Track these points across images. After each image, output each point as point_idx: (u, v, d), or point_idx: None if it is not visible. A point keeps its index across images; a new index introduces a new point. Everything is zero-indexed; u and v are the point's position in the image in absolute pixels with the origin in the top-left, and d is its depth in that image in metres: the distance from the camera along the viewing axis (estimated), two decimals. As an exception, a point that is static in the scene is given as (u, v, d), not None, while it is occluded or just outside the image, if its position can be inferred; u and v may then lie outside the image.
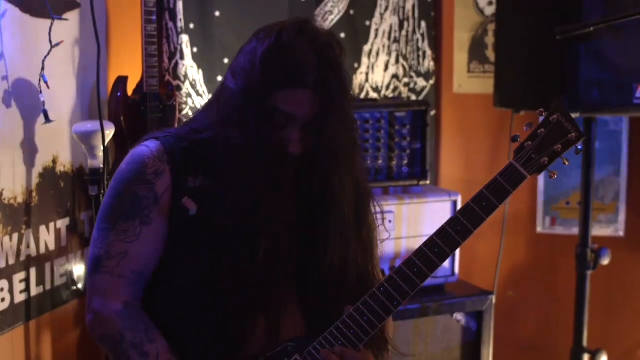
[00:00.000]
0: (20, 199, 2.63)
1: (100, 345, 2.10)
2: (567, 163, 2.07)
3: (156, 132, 2.18)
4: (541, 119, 2.07)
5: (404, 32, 3.89)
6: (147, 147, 2.09)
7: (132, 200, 2.05)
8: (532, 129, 2.06)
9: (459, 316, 3.21)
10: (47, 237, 2.78)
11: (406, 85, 3.91)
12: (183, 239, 2.04)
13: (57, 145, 2.83)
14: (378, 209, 2.23)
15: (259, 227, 2.01)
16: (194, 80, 3.42)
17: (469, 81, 4.00)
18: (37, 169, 2.72)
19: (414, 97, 3.90)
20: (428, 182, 3.22)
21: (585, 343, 3.53)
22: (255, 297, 2.01)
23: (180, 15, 3.35)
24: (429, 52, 3.95)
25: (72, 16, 2.88)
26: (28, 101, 2.64)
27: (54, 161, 2.81)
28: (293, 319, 2.06)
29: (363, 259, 2.16)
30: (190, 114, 3.34)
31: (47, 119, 2.66)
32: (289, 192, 2.07)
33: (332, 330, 2.02)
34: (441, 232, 2.05)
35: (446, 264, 3.10)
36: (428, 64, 3.96)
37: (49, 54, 2.66)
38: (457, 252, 3.15)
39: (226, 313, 2.00)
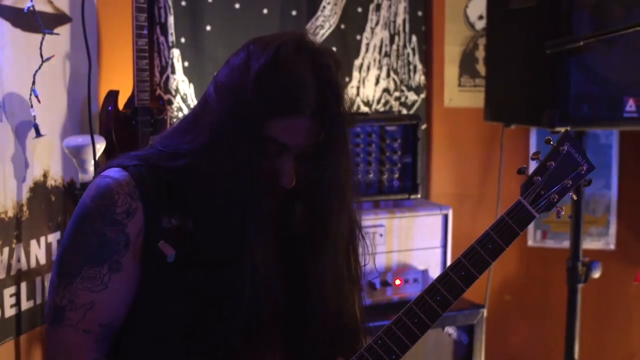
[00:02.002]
0: (10, 213, 2.62)
1: None
2: (575, 198, 1.99)
3: (123, 158, 1.92)
4: (533, 156, 1.95)
5: (394, 47, 3.90)
6: (115, 180, 1.83)
7: (99, 243, 1.80)
8: (538, 159, 1.93)
9: (451, 330, 3.21)
10: (38, 251, 2.77)
11: (397, 99, 3.92)
12: (159, 286, 1.82)
13: (48, 160, 2.82)
14: (368, 243, 2.02)
15: (245, 274, 1.80)
16: (185, 95, 3.43)
17: (460, 95, 4.01)
18: (28, 183, 2.71)
19: (405, 111, 3.91)
20: (419, 195, 3.23)
21: (576, 356, 3.53)
22: (239, 350, 1.82)
23: (172, 29, 3.36)
24: (419, 66, 3.96)
25: (63, 30, 2.88)
26: (19, 115, 2.63)
27: (45, 175, 2.81)
28: None
29: (354, 303, 2.00)
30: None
31: (38, 133, 2.66)
32: (277, 230, 1.88)
33: None
34: (443, 279, 1.88)
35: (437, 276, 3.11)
36: (419, 78, 3.97)
37: (39, 68, 2.65)
38: (448, 262, 3.14)
39: None
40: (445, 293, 1.87)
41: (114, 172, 1.85)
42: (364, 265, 2.01)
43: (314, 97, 1.78)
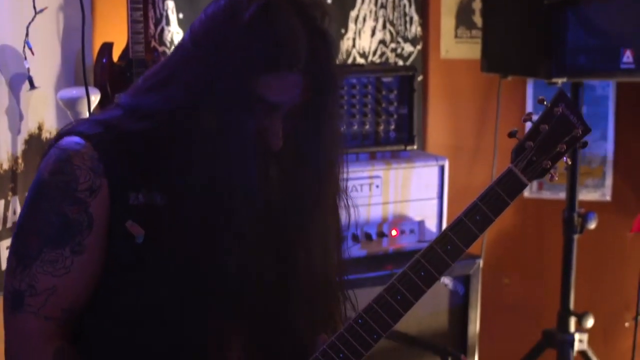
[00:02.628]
0: (5, 166, 2.61)
1: None
2: (569, 163, 1.83)
3: (84, 124, 1.73)
4: (528, 114, 1.83)
5: (390, -2, 3.88)
6: (76, 152, 1.65)
7: (60, 224, 1.64)
8: (530, 121, 1.80)
9: (447, 280, 3.22)
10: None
11: (393, 50, 3.90)
12: (128, 267, 1.67)
13: (42, 112, 2.81)
14: (352, 208, 1.88)
15: (225, 246, 1.67)
16: (180, 46, 3.40)
17: (456, 46, 3.99)
18: (23, 136, 2.70)
19: (401, 63, 3.89)
20: (415, 147, 3.22)
21: (572, 306, 3.55)
22: (216, 333, 1.71)
23: (165, -20, 3.33)
24: (415, 18, 3.93)
25: (56, -18, 2.86)
26: (13, 67, 2.61)
27: (40, 128, 2.80)
28: (254, 350, 1.77)
29: (339, 273, 1.88)
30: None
31: (32, 86, 2.64)
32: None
33: None
34: (428, 253, 1.75)
35: (433, 227, 3.12)
36: (415, 29, 3.94)
37: (33, 20, 2.63)
38: (444, 216, 3.16)
39: (181, 347, 1.68)
40: (430, 268, 1.75)
41: (75, 144, 1.67)
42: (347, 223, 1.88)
43: (306, 52, 1.64)
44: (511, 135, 1.80)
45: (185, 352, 1.68)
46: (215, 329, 1.70)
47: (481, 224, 1.76)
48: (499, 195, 1.76)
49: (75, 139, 1.68)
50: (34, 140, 2.76)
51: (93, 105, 2.81)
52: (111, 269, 1.68)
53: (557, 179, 1.82)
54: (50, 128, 2.85)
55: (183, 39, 1.72)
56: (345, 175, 1.84)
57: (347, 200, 1.86)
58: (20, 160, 2.68)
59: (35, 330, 1.66)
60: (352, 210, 1.87)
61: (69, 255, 1.64)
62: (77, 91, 2.80)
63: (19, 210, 2.68)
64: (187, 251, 1.65)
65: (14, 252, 1.69)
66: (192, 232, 1.65)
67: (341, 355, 1.74)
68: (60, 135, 1.72)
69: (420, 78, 3.90)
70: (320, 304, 1.83)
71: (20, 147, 2.69)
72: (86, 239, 1.65)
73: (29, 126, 2.73)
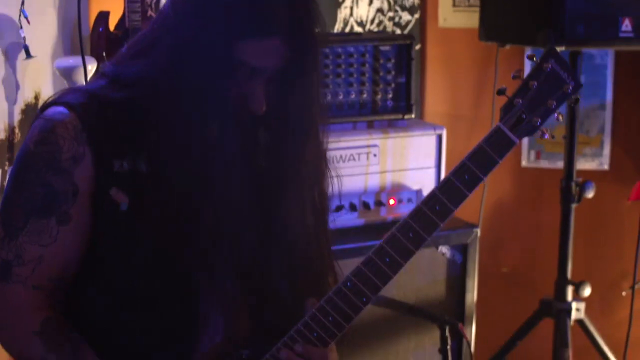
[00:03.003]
0: (2, 136, 2.61)
1: None
2: (561, 119, 1.80)
3: (68, 93, 1.76)
4: (527, 67, 1.87)
5: (388, -34, 3.86)
6: (60, 122, 1.67)
7: (45, 194, 1.66)
8: (520, 78, 1.78)
9: (444, 249, 3.22)
10: None
11: (391, 19, 3.88)
12: (114, 236, 1.70)
13: (39, 81, 2.80)
14: (334, 174, 1.87)
15: (207, 213, 1.68)
16: (177, 15, 3.39)
17: (454, 15, 3.97)
18: (19, 105, 2.69)
19: (398, 31, 3.88)
20: (413, 116, 3.21)
21: (569, 275, 3.56)
22: (201, 295, 1.73)
23: (162, -52, 3.31)
24: (413, -14, 3.92)
25: (52, -50, 2.84)
26: (8, 36, 2.61)
27: (36, 97, 2.79)
28: (238, 316, 1.79)
29: (323, 241, 1.88)
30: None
31: (28, 55, 2.63)
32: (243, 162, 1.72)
33: (292, 334, 1.74)
34: (417, 214, 1.74)
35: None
36: (413, -3, 3.93)
37: (28, -12, 2.63)
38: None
39: (167, 314, 1.72)
40: (418, 229, 1.73)
41: (58, 114, 1.69)
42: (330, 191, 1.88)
43: (287, 16, 1.64)
44: (500, 92, 1.79)
45: (172, 318, 1.71)
46: (199, 294, 1.71)
47: (470, 184, 1.74)
48: (488, 153, 1.74)
49: (60, 108, 1.70)
50: (30, 109, 2.75)
51: (90, 75, 2.80)
52: (97, 237, 1.70)
53: (547, 137, 1.80)
54: (47, 97, 2.84)
55: (164, 6, 1.72)
56: (328, 144, 1.84)
57: (328, 166, 1.86)
58: (17, 130, 2.68)
59: (24, 300, 1.68)
60: (335, 178, 1.87)
61: (54, 225, 1.66)
62: (73, 60, 2.80)
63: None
64: (170, 217, 1.67)
65: (1, 223, 1.70)
66: (175, 198, 1.67)
67: (330, 318, 1.73)
68: (46, 105, 1.75)
69: (418, 47, 3.89)
70: (304, 269, 1.83)
71: (17, 117, 2.68)
72: (71, 208, 1.67)
73: (25, 96, 2.72)
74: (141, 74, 1.69)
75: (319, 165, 1.84)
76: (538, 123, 1.76)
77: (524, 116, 1.75)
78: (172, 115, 1.66)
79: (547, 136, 1.79)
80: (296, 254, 1.81)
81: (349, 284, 1.73)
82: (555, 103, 1.75)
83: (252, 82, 1.67)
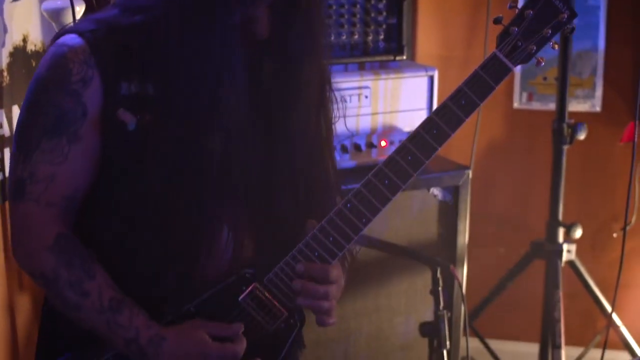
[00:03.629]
0: (-9, 78, 2.59)
1: (31, 279, 1.84)
2: (556, 47, 1.85)
3: (80, 22, 1.87)
4: None
5: None
6: (70, 47, 1.75)
7: (56, 115, 1.74)
8: (516, 8, 1.82)
9: (436, 191, 3.22)
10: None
11: (382, -40, 3.84)
12: (122, 156, 1.77)
13: (27, 24, 2.77)
14: (340, 103, 1.95)
15: (214, 134, 1.74)
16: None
17: (446, -45, 3.94)
18: (8, 49, 2.67)
19: (390, -28, 3.84)
20: (404, 57, 3.19)
21: (560, 217, 3.57)
22: (209, 216, 1.78)
23: None
24: None
25: None
26: (-5, -22, 2.58)
27: (25, 40, 2.76)
28: (244, 236, 1.84)
29: (326, 164, 1.94)
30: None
31: (15, -4, 2.61)
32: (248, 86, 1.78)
33: (294, 253, 1.81)
34: (414, 138, 1.80)
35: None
36: (404, -62, 3.88)
37: None
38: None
39: (176, 235, 1.77)
40: (416, 152, 1.80)
41: (69, 40, 1.77)
42: (334, 123, 1.95)
43: None
44: (496, 21, 1.83)
45: (178, 238, 1.77)
46: (206, 215, 1.77)
47: (466, 108, 1.80)
48: (484, 79, 1.80)
49: (71, 35, 1.78)
50: (18, 52, 2.72)
51: (78, 16, 2.77)
52: (106, 160, 1.78)
53: (544, 64, 1.86)
54: (35, 40, 2.82)
55: None
56: (330, 76, 1.90)
57: (334, 97, 1.92)
58: (5, 74, 2.66)
59: (37, 216, 1.75)
60: (340, 107, 1.93)
61: (65, 143, 1.74)
62: (61, 2, 2.76)
63: (5, 124, 2.66)
64: (177, 139, 1.73)
65: (16, 145, 1.79)
66: (182, 120, 1.73)
67: (331, 238, 1.80)
68: (59, 34, 1.83)
69: (409, -12, 3.86)
70: (309, 191, 1.89)
71: (5, 60, 2.66)
72: (81, 128, 1.75)
73: (13, 39, 2.70)
74: (150, 1, 1.75)
75: (323, 89, 1.89)
76: (533, 50, 1.81)
77: (519, 44, 1.80)
78: (179, 39, 1.71)
79: (542, 64, 1.85)
80: (302, 176, 1.87)
81: (349, 205, 1.79)
82: (550, 31, 1.81)
83: (256, 6, 1.73)
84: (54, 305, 1.81)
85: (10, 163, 1.80)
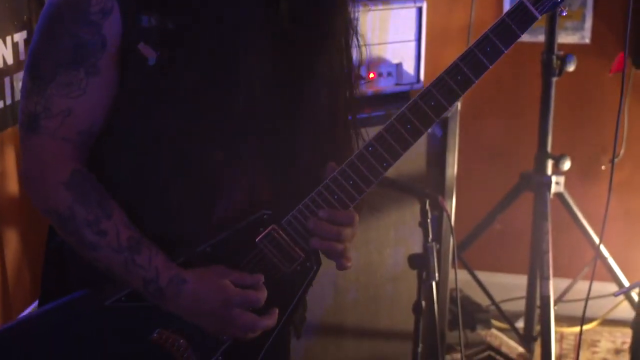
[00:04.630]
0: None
1: (45, 216, 1.76)
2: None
3: None
4: None
5: None
6: None
7: (73, 46, 1.66)
8: None
9: (424, 123, 3.21)
10: (5, 51, 2.73)
11: None
12: (141, 91, 1.70)
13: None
14: (359, 38, 1.91)
15: (237, 72, 1.69)
16: None
17: None
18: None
19: None
20: (392, -12, 3.16)
21: (549, 149, 3.57)
22: (229, 156, 1.74)
23: None
24: None
25: None
26: None
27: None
28: (262, 179, 1.81)
29: (349, 108, 1.90)
30: None
31: None
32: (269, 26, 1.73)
33: (314, 196, 1.78)
34: (439, 83, 1.77)
35: (411, 69, 3.10)
36: None
37: None
38: (422, 59, 3.13)
39: (194, 173, 1.73)
40: (440, 98, 1.77)
41: None
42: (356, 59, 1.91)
43: None
44: None
45: (195, 179, 1.73)
46: (225, 154, 1.74)
47: (491, 55, 1.77)
48: (510, 27, 1.77)
49: None
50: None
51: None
52: (125, 94, 1.71)
53: (565, 13, 1.86)
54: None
55: None
56: (356, 14, 1.87)
57: (357, 38, 1.89)
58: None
59: (52, 151, 1.69)
60: (363, 48, 1.90)
61: (83, 76, 1.67)
62: None
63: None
64: (197, 75, 1.68)
65: (29, 75, 1.70)
66: (202, 58, 1.68)
67: (351, 182, 1.78)
68: None
69: None
70: (328, 136, 1.86)
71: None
72: (100, 60, 1.67)
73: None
74: None
75: (347, 33, 1.86)
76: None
77: None
78: None
79: (564, 13, 1.85)
80: (322, 120, 1.84)
81: (370, 148, 1.78)
82: None
83: None
84: (67, 243, 1.75)
85: (22, 92, 1.72)
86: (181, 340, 1.77)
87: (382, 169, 1.78)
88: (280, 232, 1.79)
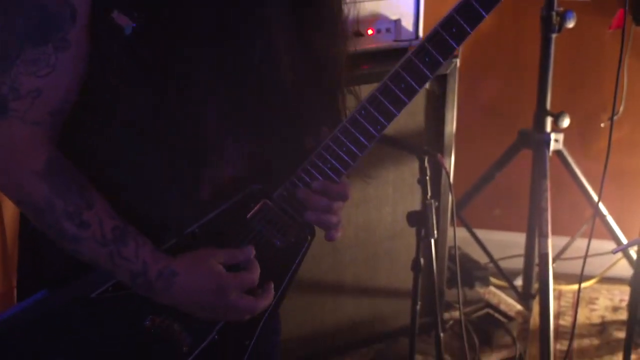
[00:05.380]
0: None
1: (18, 208, 1.63)
2: None
3: None
4: None
5: None
6: None
7: (40, 19, 1.50)
8: None
9: (423, 80, 3.19)
10: None
11: None
12: (117, 63, 1.54)
13: None
14: None
15: (221, 42, 1.56)
16: None
17: None
18: None
19: None
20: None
21: (548, 106, 3.55)
22: (213, 127, 1.62)
23: None
24: None
25: None
26: None
27: None
28: (251, 152, 1.71)
29: (341, 65, 1.78)
30: None
31: None
32: None
33: (307, 166, 1.70)
34: (433, 37, 1.66)
35: (409, 26, 3.08)
36: None
37: None
38: (421, 15, 3.10)
39: (177, 147, 1.60)
40: (434, 53, 1.66)
41: None
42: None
43: None
44: None
45: (179, 151, 1.61)
46: (210, 126, 1.63)
47: (487, 4, 1.69)
48: None
49: None
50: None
51: None
52: (99, 67, 1.56)
53: None
54: None
55: None
56: None
57: None
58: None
59: (23, 137, 1.54)
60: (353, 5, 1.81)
61: (52, 52, 1.51)
62: None
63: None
64: (182, 42, 1.54)
65: None
66: (186, 25, 1.55)
67: (344, 148, 1.70)
68: None
69: None
70: (327, 98, 1.77)
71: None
72: (69, 33, 1.51)
73: None
74: None
75: None
76: None
77: None
78: None
79: None
80: (320, 81, 1.75)
81: (363, 112, 1.68)
82: None
83: None
84: (46, 235, 1.61)
85: None
86: (175, 324, 1.70)
87: (375, 131, 1.69)
88: (273, 206, 1.71)
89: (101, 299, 1.65)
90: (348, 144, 1.69)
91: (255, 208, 1.70)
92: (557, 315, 3.80)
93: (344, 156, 1.70)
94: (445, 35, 1.67)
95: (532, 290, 3.80)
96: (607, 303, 3.95)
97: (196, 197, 1.66)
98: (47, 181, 1.54)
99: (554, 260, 3.44)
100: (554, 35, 3.47)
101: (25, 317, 1.64)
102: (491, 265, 3.84)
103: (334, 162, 1.70)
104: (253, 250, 1.70)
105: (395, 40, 3.11)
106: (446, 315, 3.61)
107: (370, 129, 1.69)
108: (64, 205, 1.54)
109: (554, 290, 3.40)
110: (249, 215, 1.70)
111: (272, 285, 1.73)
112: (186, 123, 1.59)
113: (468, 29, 1.69)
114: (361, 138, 1.69)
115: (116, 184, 1.61)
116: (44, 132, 1.55)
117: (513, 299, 3.79)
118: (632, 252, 3.71)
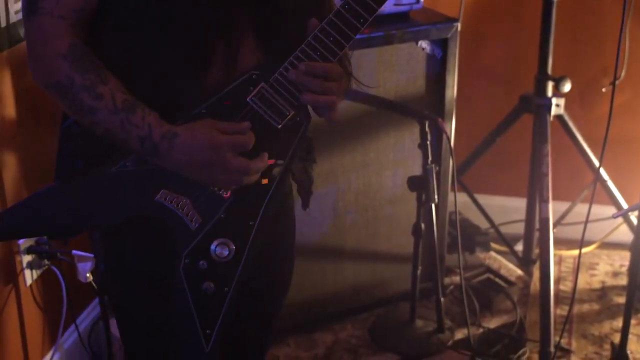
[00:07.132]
0: None
1: (48, 93, 1.89)
2: None
3: None
4: None
5: None
6: None
7: None
8: None
9: (424, 44, 3.18)
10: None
11: None
12: None
13: None
14: None
15: None
16: None
17: None
18: None
19: None
20: None
21: (549, 70, 3.54)
22: (214, 18, 1.84)
23: None
24: None
25: None
26: None
27: None
28: (250, 44, 1.90)
29: None
30: None
31: None
32: None
33: (297, 54, 1.88)
34: None
35: None
36: None
37: None
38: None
39: (183, 40, 1.84)
40: None
41: None
42: None
43: None
44: None
45: (182, 47, 1.84)
46: (224, 23, 1.84)
47: None
48: None
49: None
50: None
51: None
52: None
53: None
54: None
55: None
56: None
57: None
58: None
59: (51, 28, 1.82)
60: None
61: None
62: None
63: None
64: None
65: None
66: None
67: (331, 38, 1.87)
68: None
69: None
70: None
71: None
72: None
73: None
74: None
75: None
76: None
77: None
78: None
79: None
80: None
81: (347, 6, 1.85)
82: None
83: None
84: (70, 115, 1.88)
85: None
86: (185, 199, 1.89)
87: (359, 24, 1.86)
88: (270, 89, 1.89)
89: (120, 172, 1.89)
90: (334, 34, 1.87)
91: (254, 91, 1.89)
92: (558, 281, 3.80)
93: (332, 45, 1.88)
94: None
95: (533, 255, 3.80)
96: (607, 268, 3.95)
97: (201, 84, 1.87)
98: (69, 60, 1.81)
99: (554, 226, 3.44)
100: (555, -1, 3.45)
101: (55, 189, 1.93)
102: (492, 230, 3.84)
103: (322, 50, 1.88)
104: (249, 124, 1.88)
105: (396, 4, 3.10)
106: (447, 280, 3.62)
107: (354, 21, 1.86)
108: (81, 80, 1.81)
109: (555, 255, 3.40)
110: (248, 98, 1.89)
111: (266, 154, 1.89)
112: (186, 19, 1.82)
113: None
114: (346, 30, 1.87)
115: (127, 74, 1.85)
116: (68, 26, 1.83)
117: (513, 264, 3.79)
118: (633, 217, 3.71)
